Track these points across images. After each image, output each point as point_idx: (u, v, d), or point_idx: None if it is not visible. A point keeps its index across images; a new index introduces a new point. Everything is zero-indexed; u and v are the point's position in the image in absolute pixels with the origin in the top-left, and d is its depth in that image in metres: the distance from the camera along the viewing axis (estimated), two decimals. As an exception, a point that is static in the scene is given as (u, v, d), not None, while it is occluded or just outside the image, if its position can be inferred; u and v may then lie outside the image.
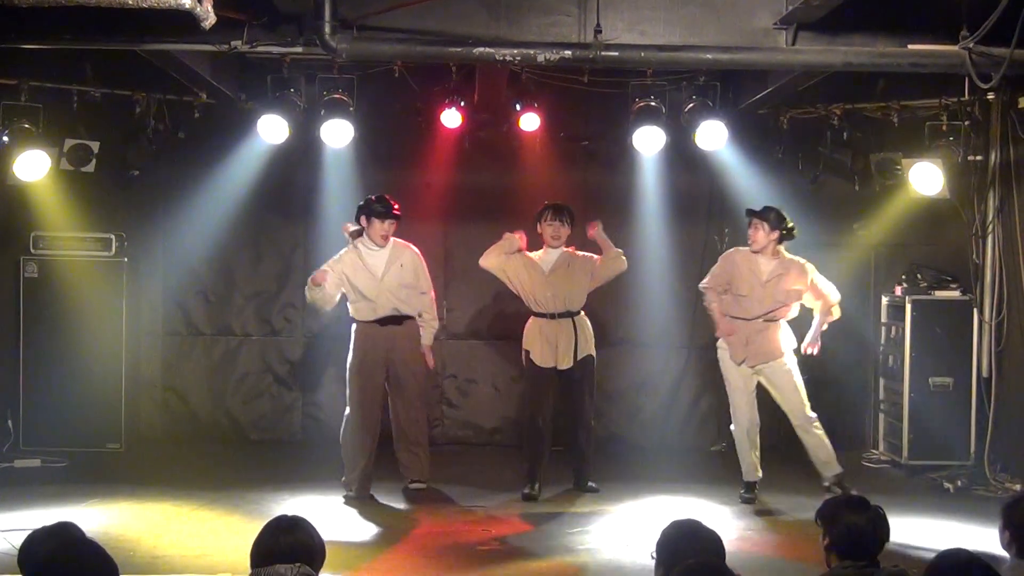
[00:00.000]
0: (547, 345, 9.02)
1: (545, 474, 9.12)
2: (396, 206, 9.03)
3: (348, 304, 9.10)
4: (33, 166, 9.63)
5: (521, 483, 9.06)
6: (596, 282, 9.20)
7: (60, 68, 9.50)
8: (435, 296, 9.39)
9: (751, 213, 9.05)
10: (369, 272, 8.98)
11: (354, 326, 9.12)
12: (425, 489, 9.10)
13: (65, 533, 4.07)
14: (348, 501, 8.82)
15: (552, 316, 9.02)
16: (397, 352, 9.03)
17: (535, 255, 9.20)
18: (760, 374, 8.99)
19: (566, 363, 9.00)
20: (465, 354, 11.36)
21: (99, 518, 8.03)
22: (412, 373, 9.11)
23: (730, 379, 9.04)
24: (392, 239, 9.09)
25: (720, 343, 9.07)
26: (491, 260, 9.15)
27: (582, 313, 9.12)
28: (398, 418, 9.11)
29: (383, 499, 8.84)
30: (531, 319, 9.17)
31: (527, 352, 9.12)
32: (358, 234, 9.06)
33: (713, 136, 9.70)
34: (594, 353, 9.16)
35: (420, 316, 9.13)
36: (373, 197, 9.10)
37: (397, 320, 9.02)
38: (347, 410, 9.04)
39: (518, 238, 9.17)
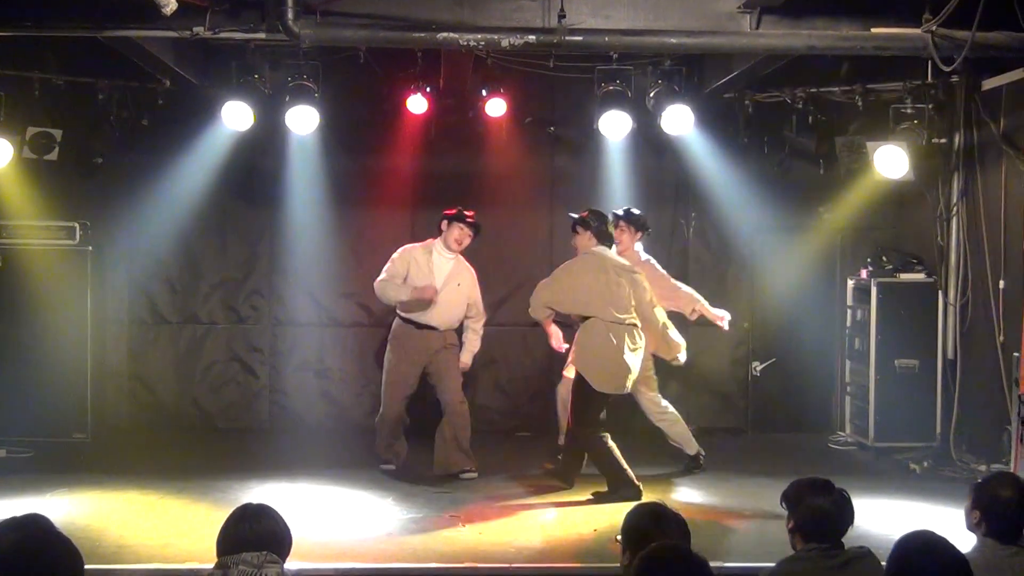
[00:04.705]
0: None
1: (516, 460, 9.14)
2: (473, 217, 9.23)
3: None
4: (-5, 155, 9.54)
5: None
6: None
7: (21, 56, 9.41)
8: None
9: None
10: (430, 278, 9.12)
11: (396, 322, 9.29)
12: (476, 477, 9.13)
13: (32, 525, 4.03)
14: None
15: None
16: (434, 355, 9.21)
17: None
18: None
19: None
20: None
21: (65, 508, 7.97)
22: (449, 368, 9.24)
23: None
24: (460, 256, 9.27)
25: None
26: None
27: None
28: (444, 405, 9.24)
29: (351, 487, 8.81)
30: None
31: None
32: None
33: (679, 121, 9.71)
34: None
35: (465, 334, 9.39)
36: (461, 208, 9.24)
37: (433, 328, 9.20)
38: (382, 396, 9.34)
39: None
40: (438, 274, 9.17)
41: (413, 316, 9.17)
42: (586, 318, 8.52)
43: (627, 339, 8.43)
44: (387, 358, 9.32)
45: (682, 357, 9.00)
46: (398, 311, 9.29)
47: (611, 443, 8.52)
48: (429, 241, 9.31)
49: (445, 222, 9.22)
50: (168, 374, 11.21)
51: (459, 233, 9.18)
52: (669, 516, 4.21)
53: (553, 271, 8.89)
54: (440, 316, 9.17)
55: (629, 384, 8.59)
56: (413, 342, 9.19)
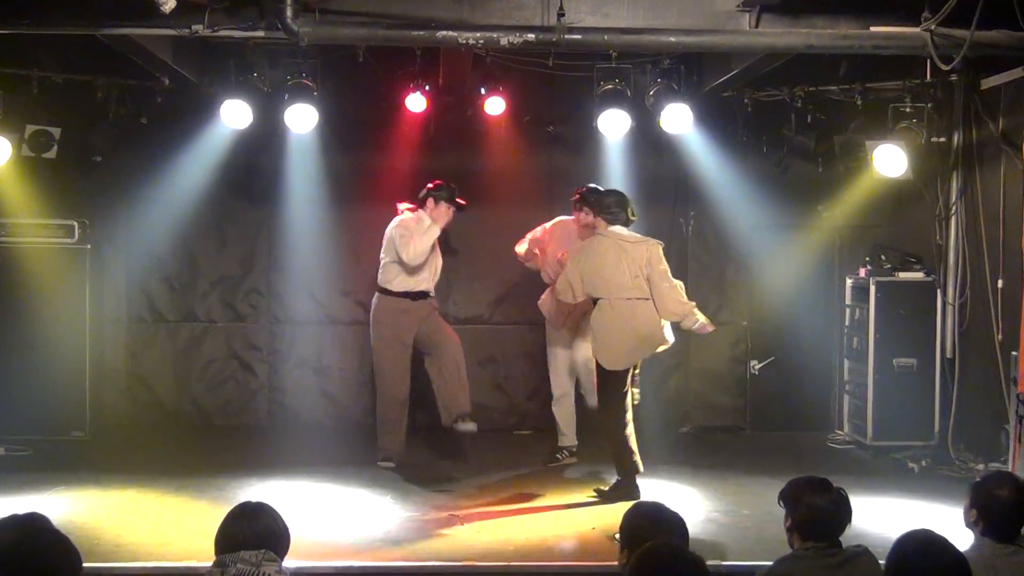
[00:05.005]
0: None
1: (514, 459, 9.13)
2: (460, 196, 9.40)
3: (385, 274, 9.32)
4: (-7, 152, 9.53)
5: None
6: None
7: (20, 53, 9.39)
8: None
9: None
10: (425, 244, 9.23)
11: (377, 299, 9.33)
12: (474, 432, 9.28)
13: (31, 523, 4.04)
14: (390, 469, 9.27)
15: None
16: (424, 322, 9.32)
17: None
18: None
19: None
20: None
21: (63, 506, 7.96)
22: (440, 325, 9.46)
23: None
24: None
25: None
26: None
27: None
28: (440, 370, 9.33)
29: (350, 485, 8.80)
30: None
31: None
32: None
33: (678, 119, 9.70)
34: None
35: None
36: (449, 183, 9.36)
37: (425, 295, 9.35)
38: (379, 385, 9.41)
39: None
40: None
41: (408, 287, 9.22)
42: (596, 300, 8.51)
43: (638, 312, 8.40)
44: (377, 341, 9.30)
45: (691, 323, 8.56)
46: (384, 287, 9.30)
47: (630, 430, 8.49)
48: (412, 214, 9.33)
49: (432, 199, 9.28)
50: (166, 372, 11.20)
51: (447, 211, 9.29)
52: (667, 515, 4.21)
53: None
54: (431, 280, 9.36)
55: (650, 351, 8.58)
56: (407, 317, 9.23)
